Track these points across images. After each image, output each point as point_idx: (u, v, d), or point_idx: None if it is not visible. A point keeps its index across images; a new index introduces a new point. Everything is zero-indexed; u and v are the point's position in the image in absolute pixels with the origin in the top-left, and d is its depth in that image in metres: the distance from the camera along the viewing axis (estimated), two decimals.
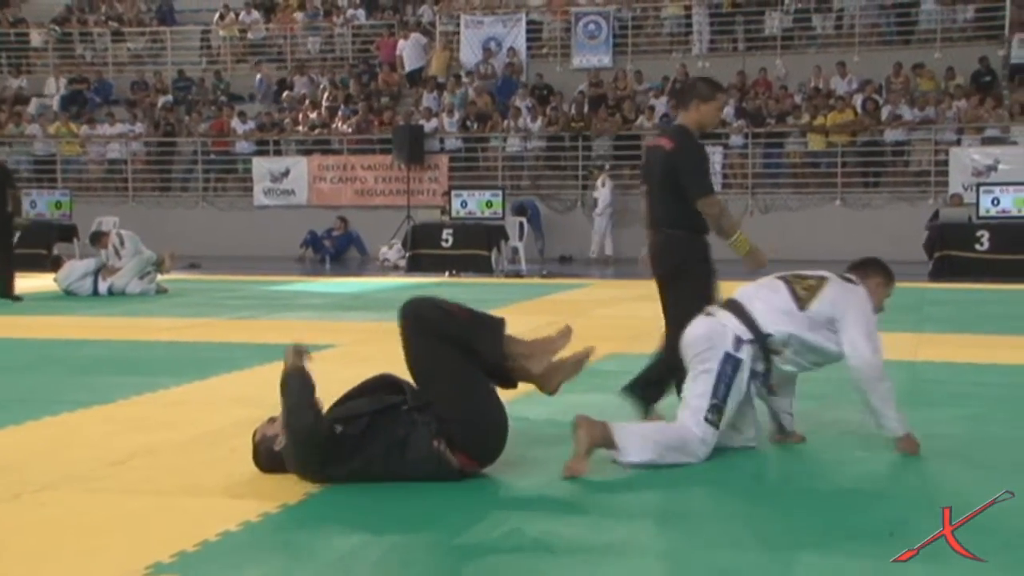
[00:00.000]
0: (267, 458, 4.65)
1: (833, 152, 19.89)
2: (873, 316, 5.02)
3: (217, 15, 26.78)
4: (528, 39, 24.17)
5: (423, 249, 17.83)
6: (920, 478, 4.80)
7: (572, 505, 4.40)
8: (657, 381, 5.75)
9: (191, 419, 6.05)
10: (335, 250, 20.74)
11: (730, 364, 4.88)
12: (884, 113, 19.96)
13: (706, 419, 4.85)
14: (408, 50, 24.13)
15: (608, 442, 4.81)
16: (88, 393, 6.77)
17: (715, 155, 20.54)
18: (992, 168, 18.52)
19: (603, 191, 19.74)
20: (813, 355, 5.05)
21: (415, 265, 17.63)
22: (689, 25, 23.62)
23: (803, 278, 5.14)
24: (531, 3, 24.67)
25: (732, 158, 20.58)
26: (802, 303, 4.99)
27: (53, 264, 16.29)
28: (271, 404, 6.36)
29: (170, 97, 24.89)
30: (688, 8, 23.62)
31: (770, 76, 21.76)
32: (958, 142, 19.44)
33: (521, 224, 18.53)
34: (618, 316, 11.10)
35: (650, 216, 6.00)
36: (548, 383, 4.89)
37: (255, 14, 26.60)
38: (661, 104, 21.34)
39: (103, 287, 13.27)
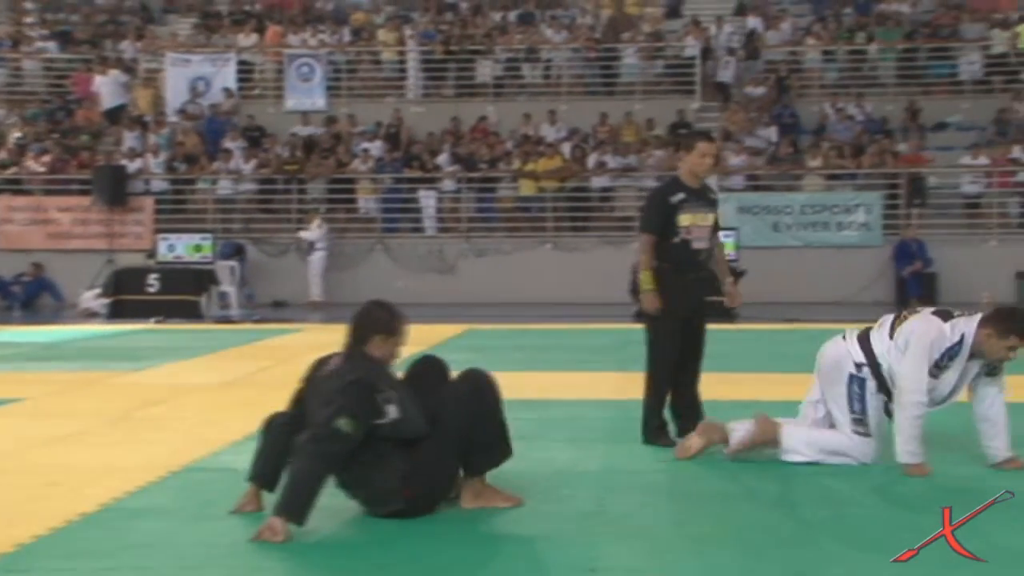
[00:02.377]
0: None
1: (543, 197, 20.47)
2: (938, 350, 5.32)
3: None
4: (239, 79, 23.56)
5: (126, 295, 16.91)
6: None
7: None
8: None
9: None
10: (25, 296, 19.31)
11: (856, 383, 5.54)
12: (591, 160, 20.76)
13: (855, 432, 5.55)
14: (106, 87, 22.95)
15: (775, 442, 5.62)
16: None
17: (429, 199, 20.73)
18: None
19: (316, 232, 19.42)
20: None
21: (118, 312, 16.68)
22: (403, 70, 23.78)
23: (912, 312, 5.67)
24: (241, 43, 24.12)
25: (446, 202, 20.79)
26: (892, 332, 5.51)
27: None
28: None
29: None
30: (402, 53, 23.78)
31: (484, 123, 22.18)
32: None
33: (232, 268, 17.92)
34: None
35: None
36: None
37: None
38: (376, 147, 21.31)
39: None
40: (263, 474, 4.73)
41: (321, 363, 4.77)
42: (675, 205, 6.20)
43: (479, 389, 4.73)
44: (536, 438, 6.46)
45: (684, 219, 6.19)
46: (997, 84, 22.15)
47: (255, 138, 22.02)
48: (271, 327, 15.02)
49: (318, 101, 23.02)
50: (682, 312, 6.20)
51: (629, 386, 8.41)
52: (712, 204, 6.41)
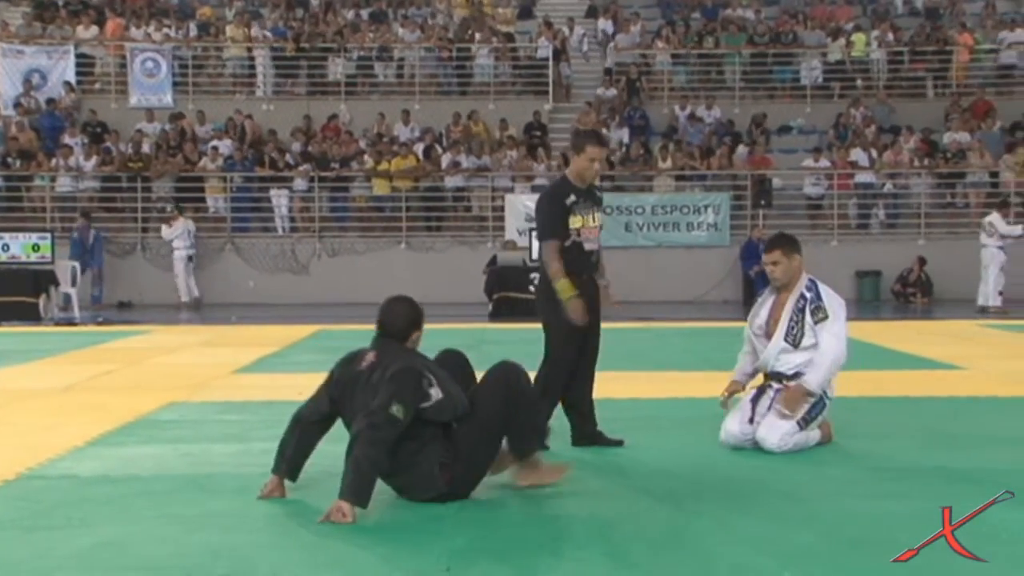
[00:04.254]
0: None
1: (397, 197, 20.32)
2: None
3: None
4: (79, 73, 22.71)
5: None
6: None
7: None
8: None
9: None
10: None
11: None
12: (445, 160, 20.70)
13: None
14: None
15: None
16: None
17: (281, 198, 20.36)
18: None
19: (172, 231, 18.86)
20: None
21: None
22: (252, 67, 23.30)
23: None
24: (81, 35, 23.24)
25: (298, 202, 20.44)
26: None
27: None
28: None
29: None
30: (251, 50, 23.29)
31: (336, 121, 21.89)
32: (512, 189, 20.53)
33: (74, 268, 17.24)
34: (178, 364, 10.50)
35: None
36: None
37: None
38: (225, 146, 20.82)
39: None
40: (290, 467, 4.95)
41: (351, 360, 4.95)
42: (569, 207, 6.05)
43: (511, 375, 4.94)
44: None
45: (575, 221, 6.06)
46: (836, 90, 23.00)
47: (97, 134, 21.26)
48: (116, 329, 14.51)
49: (164, 97, 22.38)
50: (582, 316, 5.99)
51: None
52: (600, 203, 6.29)
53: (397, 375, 4.66)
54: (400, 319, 4.96)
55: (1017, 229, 16.87)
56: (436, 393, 4.71)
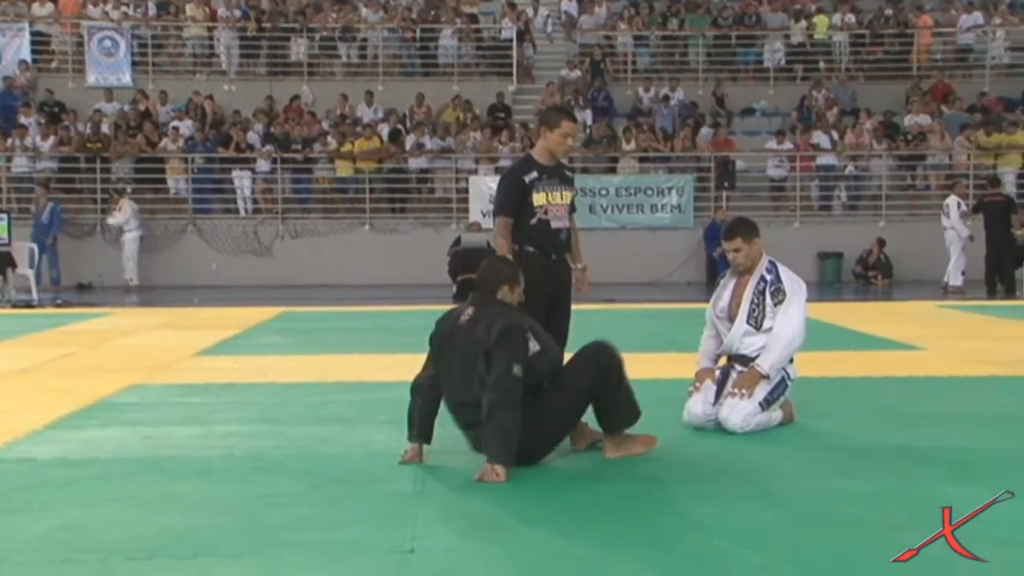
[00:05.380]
0: None
1: (361, 178, 20.21)
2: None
3: None
4: (35, 51, 22.37)
5: None
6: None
7: None
8: None
9: None
10: None
11: None
12: (408, 142, 20.60)
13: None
14: None
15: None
16: None
17: (243, 180, 20.19)
18: None
19: (120, 215, 18.68)
20: None
21: None
22: (213, 47, 23.04)
23: None
24: (36, 13, 22.88)
25: (260, 183, 20.28)
26: None
27: None
28: None
29: None
30: (211, 30, 23.03)
31: (298, 102, 21.72)
32: (476, 171, 20.47)
33: (32, 249, 17.03)
34: (139, 346, 10.40)
35: None
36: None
37: None
38: (186, 126, 20.60)
39: None
40: (421, 431, 5.22)
41: (447, 318, 5.23)
42: (529, 184, 5.90)
43: (602, 354, 5.22)
44: (355, 421, 6.36)
45: (538, 198, 5.89)
46: (799, 72, 23.09)
47: (54, 114, 20.97)
48: (75, 311, 14.35)
49: (123, 77, 22.10)
50: (543, 295, 5.83)
51: None
52: (568, 182, 6.09)
53: (505, 336, 4.90)
54: (487, 274, 5.30)
55: (966, 230, 16.85)
56: (534, 345, 4.98)
